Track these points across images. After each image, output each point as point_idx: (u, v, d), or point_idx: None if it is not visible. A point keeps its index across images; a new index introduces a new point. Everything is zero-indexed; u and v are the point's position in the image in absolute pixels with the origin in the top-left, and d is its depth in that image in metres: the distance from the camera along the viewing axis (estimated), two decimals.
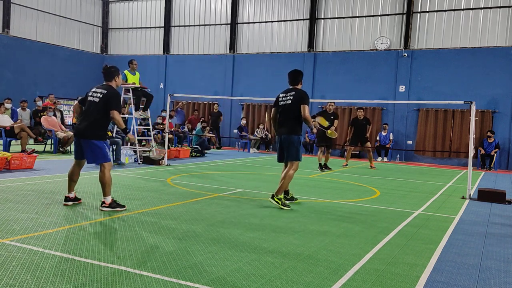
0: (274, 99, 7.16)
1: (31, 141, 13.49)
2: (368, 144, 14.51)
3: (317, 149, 19.05)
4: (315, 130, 7.43)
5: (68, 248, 4.25)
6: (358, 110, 14.53)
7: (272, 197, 6.86)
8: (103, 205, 6.03)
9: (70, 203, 6.27)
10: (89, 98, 6.10)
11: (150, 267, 3.83)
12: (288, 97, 6.83)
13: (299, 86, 6.98)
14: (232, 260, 4.14)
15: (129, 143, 12.14)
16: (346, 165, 14.39)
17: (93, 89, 6.18)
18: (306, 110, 6.67)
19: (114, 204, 6.06)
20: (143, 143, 13.48)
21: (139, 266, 3.84)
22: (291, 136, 6.83)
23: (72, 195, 6.31)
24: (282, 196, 6.95)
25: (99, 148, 5.98)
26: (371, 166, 14.35)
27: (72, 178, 6.25)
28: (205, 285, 3.50)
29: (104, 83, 6.25)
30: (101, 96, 6.00)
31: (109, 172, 6.07)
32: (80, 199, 6.46)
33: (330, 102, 13.44)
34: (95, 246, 4.35)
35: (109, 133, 11.77)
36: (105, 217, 5.64)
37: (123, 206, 6.13)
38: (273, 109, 7.11)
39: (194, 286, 3.47)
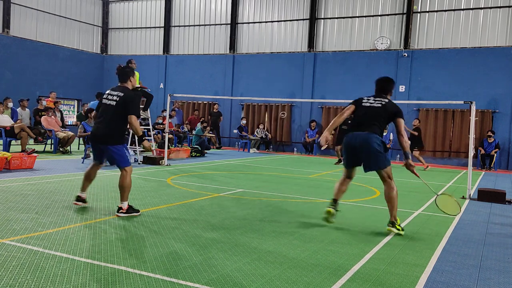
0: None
1: (31, 141, 13.49)
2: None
3: (317, 148, 19.10)
4: None
5: (68, 248, 4.24)
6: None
7: (392, 225, 5.44)
8: (120, 211, 5.72)
9: (81, 203, 6.07)
10: (104, 101, 5.76)
11: (150, 267, 3.83)
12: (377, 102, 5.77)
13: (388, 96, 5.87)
14: (232, 260, 4.14)
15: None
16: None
17: (108, 92, 5.86)
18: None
19: (131, 210, 5.80)
20: None
21: (139, 266, 3.84)
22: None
23: (84, 195, 6.11)
24: (398, 220, 5.55)
25: (119, 153, 5.71)
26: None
27: (89, 178, 6.06)
28: (205, 285, 3.50)
29: (119, 85, 5.91)
30: (117, 99, 5.65)
31: (130, 176, 5.77)
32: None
33: None
34: (95, 246, 4.35)
35: None
36: (105, 217, 5.64)
37: (138, 211, 5.86)
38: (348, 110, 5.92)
39: (194, 286, 3.47)
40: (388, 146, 17.46)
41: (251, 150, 19.05)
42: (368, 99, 5.82)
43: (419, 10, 17.89)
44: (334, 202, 5.67)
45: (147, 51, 23.48)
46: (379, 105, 5.62)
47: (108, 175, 9.53)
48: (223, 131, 20.95)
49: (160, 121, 17.24)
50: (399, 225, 5.45)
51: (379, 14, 18.58)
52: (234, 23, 21.30)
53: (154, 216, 5.79)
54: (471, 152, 8.99)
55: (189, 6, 22.53)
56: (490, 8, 16.82)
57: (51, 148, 14.42)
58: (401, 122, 5.53)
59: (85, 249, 4.24)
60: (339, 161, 14.58)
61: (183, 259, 4.08)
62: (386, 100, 5.69)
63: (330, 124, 5.86)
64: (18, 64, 19.72)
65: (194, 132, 17.94)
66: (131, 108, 5.63)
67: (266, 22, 20.75)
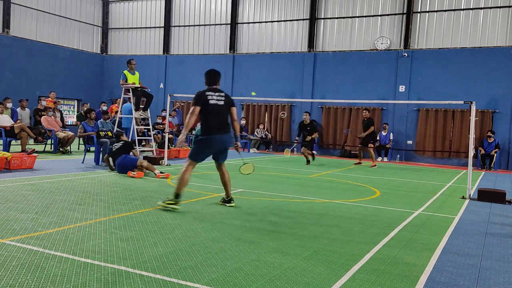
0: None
1: (31, 141, 13.49)
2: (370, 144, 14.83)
3: (317, 148, 19.08)
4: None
5: (68, 248, 4.25)
6: (364, 111, 15.18)
7: (229, 201, 6.76)
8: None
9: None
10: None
11: (150, 267, 3.83)
12: (220, 98, 6.44)
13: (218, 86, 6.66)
14: (232, 260, 4.14)
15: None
16: (375, 165, 14.82)
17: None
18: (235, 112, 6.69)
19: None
20: (143, 143, 13.47)
21: (139, 266, 3.84)
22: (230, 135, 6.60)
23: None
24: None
25: None
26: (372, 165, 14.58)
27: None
28: (205, 285, 3.50)
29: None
30: None
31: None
32: None
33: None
34: (95, 246, 4.35)
35: (109, 133, 11.76)
36: (105, 217, 5.64)
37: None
38: (197, 108, 6.33)
39: (194, 286, 3.47)
40: (388, 146, 17.64)
41: (251, 150, 19.05)
42: (211, 96, 6.43)
43: (419, 10, 17.89)
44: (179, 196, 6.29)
45: (147, 51, 23.48)
46: (222, 102, 6.45)
47: (108, 175, 9.54)
48: None
49: (160, 121, 17.24)
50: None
51: (379, 14, 18.58)
52: (234, 23, 21.30)
53: (154, 216, 5.79)
54: (471, 152, 8.99)
55: (189, 6, 22.53)
56: (490, 8, 16.82)
57: (51, 148, 14.42)
58: (234, 110, 6.61)
59: (85, 249, 4.24)
60: (308, 162, 14.25)
61: (183, 259, 4.08)
62: (223, 94, 6.54)
63: (186, 126, 6.44)
64: (18, 64, 19.72)
65: (194, 132, 17.94)
66: None
67: (266, 22, 20.74)
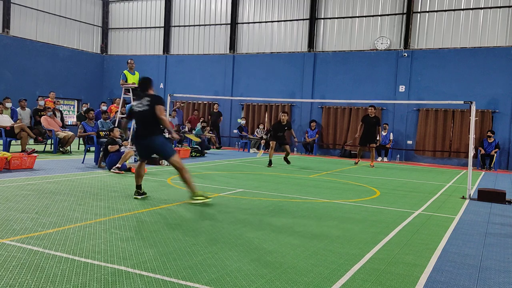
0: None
1: (31, 141, 13.49)
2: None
3: (317, 148, 19.08)
4: (175, 136, 7.47)
5: (68, 248, 4.25)
6: (370, 108, 14.79)
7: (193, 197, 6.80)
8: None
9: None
10: None
11: (150, 267, 3.83)
12: (145, 103, 6.77)
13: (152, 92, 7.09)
14: (232, 260, 4.14)
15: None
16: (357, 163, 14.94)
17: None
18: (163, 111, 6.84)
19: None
20: None
21: (139, 266, 3.84)
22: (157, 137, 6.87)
23: None
24: (199, 192, 6.87)
25: None
26: (370, 165, 14.55)
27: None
28: (205, 285, 3.50)
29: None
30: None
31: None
32: None
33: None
34: (95, 246, 4.35)
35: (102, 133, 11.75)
36: (105, 217, 5.64)
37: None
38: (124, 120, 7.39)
39: (194, 286, 3.47)
40: (388, 146, 17.64)
41: (251, 150, 19.05)
42: (137, 105, 6.93)
43: (419, 10, 17.90)
44: (139, 188, 7.04)
45: (147, 51, 23.48)
46: (147, 107, 6.75)
47: (108, 175, 9.54)
48: (223, 131, 20.95)
49: None
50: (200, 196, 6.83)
51: (379, 14, 18.58)
52: (234, 23, 21.30)
53: (154, 216, 5.79)
54: (471, 152, 8.99)
55: (189, 6, 22.52)
56: (490, 8, 16.82)
57: (51, 148, 14.42)
58: (159, 107, 6.74)
59: (85, 249, 4.24)
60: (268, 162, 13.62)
61: (183, 259, 4.08)
62: (149, 98, 6.85)
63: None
64: (18, 64, 19.71)
65: (194, 132, 17.94)
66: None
67: (266, 22, 20.74)
